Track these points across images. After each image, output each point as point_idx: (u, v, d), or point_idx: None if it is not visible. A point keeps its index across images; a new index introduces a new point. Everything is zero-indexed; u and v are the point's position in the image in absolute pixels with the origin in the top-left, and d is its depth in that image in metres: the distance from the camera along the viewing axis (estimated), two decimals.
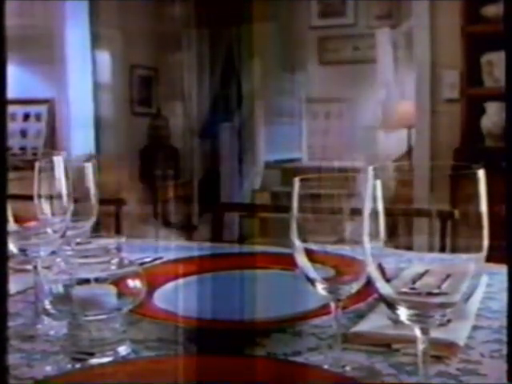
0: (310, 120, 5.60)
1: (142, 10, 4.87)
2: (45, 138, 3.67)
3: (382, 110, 4.76)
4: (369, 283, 0.62)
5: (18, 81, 3.37)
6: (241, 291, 1.05)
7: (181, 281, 1.08)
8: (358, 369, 0.75)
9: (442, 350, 0.76)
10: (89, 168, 1.10)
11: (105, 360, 0.78)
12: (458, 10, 2.96)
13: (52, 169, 0.93)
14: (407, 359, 0.76)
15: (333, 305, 0.74)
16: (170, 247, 1.48)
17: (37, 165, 0.93)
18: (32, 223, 0.94)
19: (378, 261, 0.58)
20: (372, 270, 0.59)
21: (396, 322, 0.80)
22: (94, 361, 0.77)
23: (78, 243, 0.86)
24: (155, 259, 1.24)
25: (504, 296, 0.63)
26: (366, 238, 0.58)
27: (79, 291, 0.80)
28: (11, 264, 1.05)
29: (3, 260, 0.52)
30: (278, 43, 5.27)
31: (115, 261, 0.82)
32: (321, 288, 0.73)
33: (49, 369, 0.77)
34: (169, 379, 0.68)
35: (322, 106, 5.51)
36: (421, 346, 0.59)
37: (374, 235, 0.58)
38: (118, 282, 0.81)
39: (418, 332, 0.59)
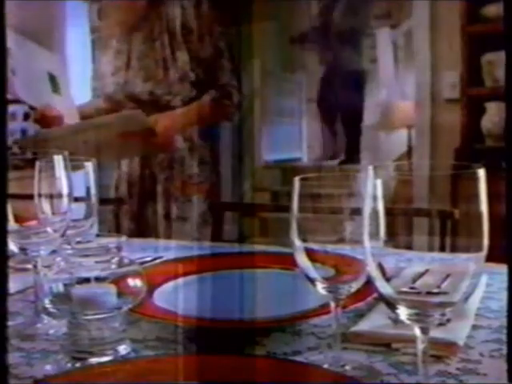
0: (309, 120, 5.59)
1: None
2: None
3: (381, 109, 4.76)
4: (369, 283, 0.62)
5: None
6: (241, 291, 1.05)
7: (181, 280, 1.08)
8: (357, 368, 0.75)
9: (441, 350, 0.76)
10: (89, 168, 1.10)
11: (104, 359, 0.78)
12: (458, 10, 2.95)
13: (52, 168, 0.93)
14: (407, 359, 0.76)
15: (333, 304, 0.74)
16: (170, 246, 1.48)
17: (37, 164, 0.93)
18: (32, 222, 0.94)
19: (378, 260, 0.58)
20: (372, 270, 0.59)
21: (396, 321, 0.81)
22: (94, 360, 0.77)
23: (78, 242, 0.86)
24: (155, 258, 1.25)
25: (504, 296, 0.63)
26: (365, 238, 0.58)
27: (79, 290, 0.80)
28: (11, 263, 1.06)
29: (3, 259, 0.52)
30: (277, 43, 5.27)
31: (115, 260, 0.82)
32: (321, 287, 0.73)
33: (48, 368, 0.77)
34: (168, 379, 0.68)
35: None
36: (420, 346, 0.59)
37: (373, 235, 0.58)
38: (118, 281, 0.81)
39: (417, 331, 0.59)
